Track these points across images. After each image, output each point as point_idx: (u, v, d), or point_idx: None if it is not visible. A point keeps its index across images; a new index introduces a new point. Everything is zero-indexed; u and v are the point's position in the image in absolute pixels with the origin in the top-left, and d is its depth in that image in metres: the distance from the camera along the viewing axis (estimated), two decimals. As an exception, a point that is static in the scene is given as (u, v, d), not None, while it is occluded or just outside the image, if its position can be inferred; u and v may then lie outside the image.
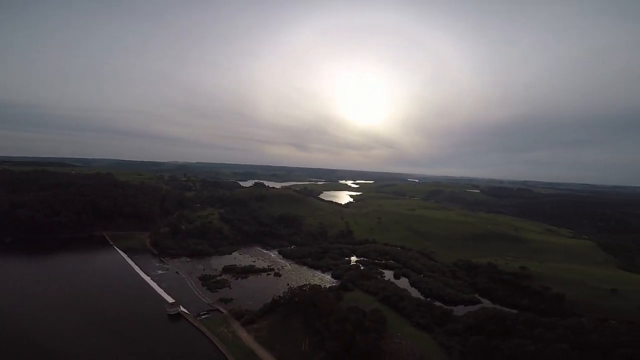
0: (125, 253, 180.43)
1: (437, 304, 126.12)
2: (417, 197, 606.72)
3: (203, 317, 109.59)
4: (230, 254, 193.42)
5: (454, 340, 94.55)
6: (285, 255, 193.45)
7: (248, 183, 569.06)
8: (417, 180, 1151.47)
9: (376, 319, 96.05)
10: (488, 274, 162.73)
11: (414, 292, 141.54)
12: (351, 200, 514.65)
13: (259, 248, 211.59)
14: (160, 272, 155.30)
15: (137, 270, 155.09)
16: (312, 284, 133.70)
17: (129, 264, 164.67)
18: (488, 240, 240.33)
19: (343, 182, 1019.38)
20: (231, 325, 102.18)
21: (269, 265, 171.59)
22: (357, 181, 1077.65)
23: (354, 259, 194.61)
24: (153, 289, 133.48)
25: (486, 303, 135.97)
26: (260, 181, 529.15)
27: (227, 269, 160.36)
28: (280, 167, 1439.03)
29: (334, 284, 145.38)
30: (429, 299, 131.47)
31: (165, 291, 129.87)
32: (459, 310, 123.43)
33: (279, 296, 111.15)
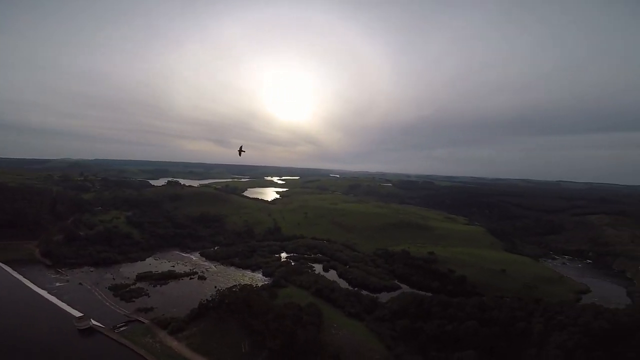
0: (9, 266, 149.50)
1: (364, 292, 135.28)
2: (338, 191, 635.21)
3: (121, 329, 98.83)
4: (144, 260, 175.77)
5: (383, 326, 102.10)
6: (209, 257, 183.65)
7: (160, 181, 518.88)
8: (338, 176, 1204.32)
9: (313, 312, 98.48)
10: (403, 260, 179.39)
11: (343, 283, 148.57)
12: (277, 196, 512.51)
13: (177, 252, 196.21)
14: (58, 284, 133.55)
15: (28, 285, 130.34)
16: (242, 284, 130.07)
17: (17, 278, 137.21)
18: (401, 229, 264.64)
19: (268, 178, 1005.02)
20: (157, 335, 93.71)
21: (191, 269, 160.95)
22: (283, 177, 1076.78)
23: (284, 255, 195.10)
24: (54, 303, 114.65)
25: (405, 288, 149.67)
26: (175, 179, 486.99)
27: (142, 277, 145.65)
28: (199, 163, 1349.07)
29: (266, 282, 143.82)
30: (356, 289, 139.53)
31: (69, 305, 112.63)
32: (383, 297, 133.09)
33: (207, 300, 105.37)
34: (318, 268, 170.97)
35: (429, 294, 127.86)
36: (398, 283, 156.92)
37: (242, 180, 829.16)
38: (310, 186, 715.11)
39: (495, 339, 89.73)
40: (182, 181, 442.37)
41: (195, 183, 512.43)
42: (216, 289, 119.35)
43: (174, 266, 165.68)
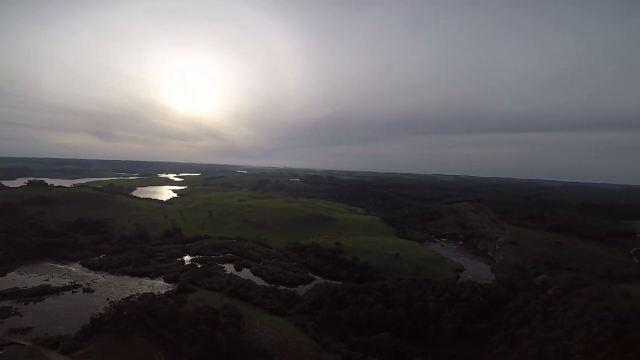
0: None
1: (282, 287, 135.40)
2: (246, 187, 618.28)
3: (-3, 355, 78.11)
4: (5, 275, 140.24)
5: (305, 318, 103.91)
6: (94, 267, 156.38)
7: (17, 182, 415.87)
8: (245, 172, 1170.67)
9: (230, 313, 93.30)
10: (314, 253, 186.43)
11: (259, 281, 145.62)
12: (175, 195, 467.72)
13: (50, 264, 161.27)
14: None
15: None
16: (142, 293, 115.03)
17: None
18: (309, 222, 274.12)
19: (163, 175, 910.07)
20: (46, 357, 76.88)
21: (72, 282, 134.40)
22: (182, 174, 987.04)
23: (187, 258, 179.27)
24: None
25: (318, 279, 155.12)
26: (39, 179, 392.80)
27: (7, 294, 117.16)
28: (72, 159, 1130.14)
29: (170, 289, 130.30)
30: (273, 285, 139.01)
31: None
32: (301, 290, 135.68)
33: (100, 314, 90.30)
34: (229, 268, 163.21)
35: (340, 283, 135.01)
36: (312, 275, 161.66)
37: (130, 178, 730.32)
38: (215, 183, 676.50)
39: (400, 319, 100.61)
40: (49, 181, 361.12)
41: (67, 183, 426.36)
42: (109, 301, 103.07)
43: (47, 280, 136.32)
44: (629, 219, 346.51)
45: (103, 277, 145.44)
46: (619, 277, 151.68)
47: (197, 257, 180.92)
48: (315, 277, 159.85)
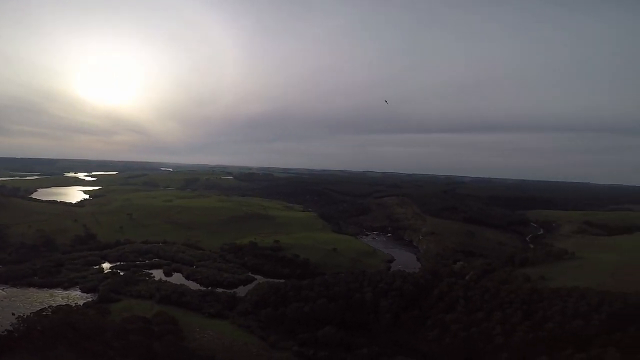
0: None
1: (220, 290, 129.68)
2: (172, 187, 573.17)
3: None
4: None
5: (249, 319, 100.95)
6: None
7: None
8: (171, 169, 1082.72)
9: (164, 321, 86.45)
10: (252, 252, 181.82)
11: (193, 285, 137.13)
12: (87, 197, 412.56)
13: None
14: None
15: None
16: (55, 305, 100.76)
17: None
18: (245, 221, 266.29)
19: (72, 175, 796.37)
20: None
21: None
22: (94, 173, 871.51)
23: (107, 265, 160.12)
24: None
25: (259, 278, 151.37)
26: None
27: None
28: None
29: (89, 299, 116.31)
30: (210, 288, 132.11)
31: None
32: (241, 291, 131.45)
33: (7, 331, 76.67)
34: (158, 274, 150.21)
35: (282, 281, 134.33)
36: (252, 275, 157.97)
37: (29, 178, 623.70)
38: (135, 182, 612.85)
39: (342, 312, 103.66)
40: None
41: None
42: (16, 317, 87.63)
43: None
44: (524, 209, 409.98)
45: (3, 290, 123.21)
46: (519, 262, 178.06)
47: (118, 264, 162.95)
48: (256, 276, 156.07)
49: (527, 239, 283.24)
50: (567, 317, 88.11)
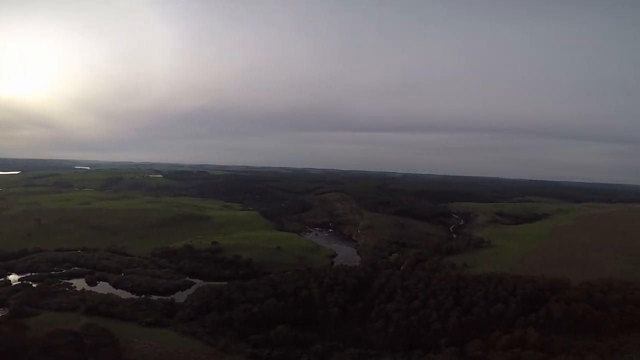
0: None
1: (155, 297, 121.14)
2: (90, 187, 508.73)
3: None
4: None
5: (193, 325, 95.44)
6: None
7: None
8: (88, 168, 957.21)
9: (96, 333, 76.87)
10: (188, 255, 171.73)
11: (123, 294, 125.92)
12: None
13: None
14: None
15: None
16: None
17: None
18: (178, 223, 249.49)
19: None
20: None
21: None
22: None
23: (14, 277, 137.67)
24: None
25: (199, 282, 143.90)
26: None
27: None
28: None
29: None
30: (144, 296, 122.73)
31: None
32: (180, 297, 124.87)
33: None
34: (79, 283, 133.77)
35: (225, 283, 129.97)
36: (190, 279, 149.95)
37: None
38: (43, 183, 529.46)
39: (292, 310, 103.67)
40: None
41: None
42: None
43: None
44: (446, 202, 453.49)
45: None
46: (445, 251, 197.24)
47: (28, 275, 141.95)
48: (195, 281, 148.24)
49: (451, 229, 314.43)
50: (489, 302, 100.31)
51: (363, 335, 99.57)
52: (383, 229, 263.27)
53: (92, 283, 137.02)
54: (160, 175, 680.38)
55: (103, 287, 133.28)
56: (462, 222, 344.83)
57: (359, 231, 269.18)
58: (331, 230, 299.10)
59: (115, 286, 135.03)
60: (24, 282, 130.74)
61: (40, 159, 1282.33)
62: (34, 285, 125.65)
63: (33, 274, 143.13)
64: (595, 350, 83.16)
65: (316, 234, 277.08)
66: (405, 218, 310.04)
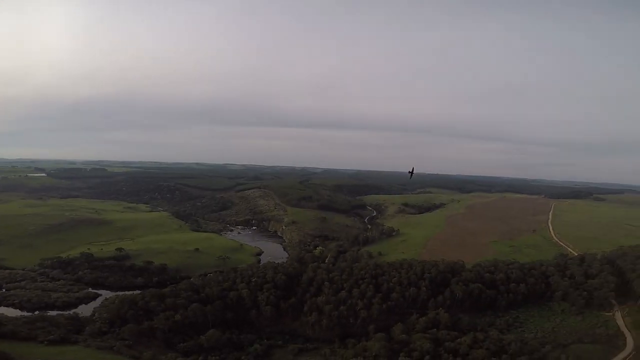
0: None
1: (54, 312, 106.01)
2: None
3: None
4: None
5: (108, 340, 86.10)
6: None
7: None
8: None
9: None
10: (88, 265, 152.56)
11: (10, 311, 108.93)
12: None
13: None
14: None
15: None
16: None
17: None
18: (72, 229, 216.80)
19: None
20: None
21: None
22: None
23: None
24: None
25: (105, 293, 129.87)
26: None
27: None
28: None
29: None
30: (38, 312, 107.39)
31: None
32: (84, 311, 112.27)
33: None
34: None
35: (139, 292, 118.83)
36: (94, 291, 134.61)
37: None
38: None
39: (222, 312, 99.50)
40: None
41: None
42: None
43: None
44: (362, 195, 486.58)
45: None
46: (363, 241, 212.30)
47: None
48: (100, 292, 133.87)
49: (366, 220, 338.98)
50: (404, 287, 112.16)
51: (299, 330, 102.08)
52: (307, 224, 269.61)
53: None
54: (43, 174, 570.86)
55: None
56: (375, 214, 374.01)
57: (284, 227, 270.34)
58: (255, 227, 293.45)
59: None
60: None
61: None
62: None
63: None
64: (495, 325, 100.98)
65: (239, 232, 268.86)
66: (326, 212, 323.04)
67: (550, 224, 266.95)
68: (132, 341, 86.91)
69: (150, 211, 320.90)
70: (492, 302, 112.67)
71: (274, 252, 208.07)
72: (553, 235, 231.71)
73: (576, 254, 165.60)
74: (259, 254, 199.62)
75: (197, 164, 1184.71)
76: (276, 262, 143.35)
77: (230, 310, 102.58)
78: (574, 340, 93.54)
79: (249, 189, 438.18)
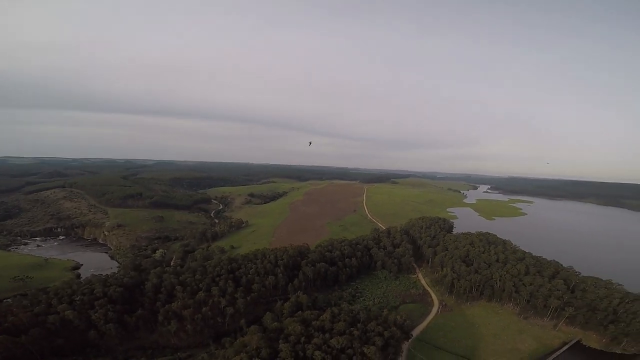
0: None
1: None
2: None
3: None
4: None
5: None
6: None
7: None
8: None
9: None
10: None
11: None
12: None
13: None
14: None
15: None
16: None
17: None
18: None
19: None
20: None
21: None
22: None
23: None
24: None
25: None
26: None
27: None
28: None
29: None
30: None
31: None
32: None
33: None
34: None
35: None
36: None
37: None
38: None
39: (48, 340, 76.99)
40: None
41: None
42: None
43: None
44: (205, 188, 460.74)
45: None
46: (211, 237, 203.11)
47: None
48: None
49: (212, 214, 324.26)
50: (262, 276, 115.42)
51: (161, 342, 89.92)
52: (138, 225, 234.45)
53: None
54: None
55: None
56: (221, 207, 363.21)
57: (106, 232, 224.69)
58: (63, 237, 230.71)
59: None
60: None
61: None
62: None
63: None
64: (344, 298, 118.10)
65: (39, 245, 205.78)
66: (163, 210, 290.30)
67: (365, 205, 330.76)
68: None
69: None
70: (336, 278, 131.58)
71: (97, 263, 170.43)
72: (368, 213, 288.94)
73: (384, 228, 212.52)
74: (76, 267, 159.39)
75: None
76: (104, 274, 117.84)
77: (57, 337, 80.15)
78: (400, 302, 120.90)
79: (46, 189, 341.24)
